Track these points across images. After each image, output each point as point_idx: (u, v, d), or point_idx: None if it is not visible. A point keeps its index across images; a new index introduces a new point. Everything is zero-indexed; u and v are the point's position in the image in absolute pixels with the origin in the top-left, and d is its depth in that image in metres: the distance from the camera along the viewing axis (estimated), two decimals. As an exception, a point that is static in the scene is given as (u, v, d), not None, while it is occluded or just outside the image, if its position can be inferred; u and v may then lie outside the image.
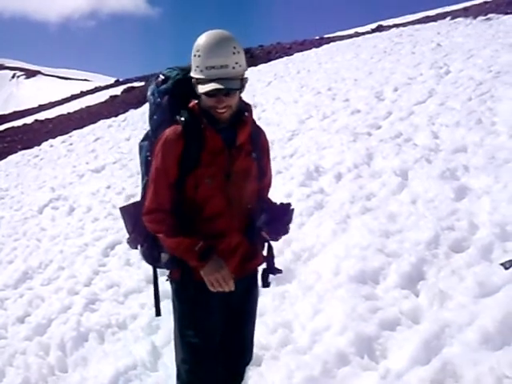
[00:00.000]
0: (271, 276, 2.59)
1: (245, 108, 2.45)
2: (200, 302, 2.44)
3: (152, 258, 2.50)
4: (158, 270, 2.58)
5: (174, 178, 2.35)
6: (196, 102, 2.38)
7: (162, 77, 2.49)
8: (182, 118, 2.34)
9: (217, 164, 2.35)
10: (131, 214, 2.53)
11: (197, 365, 2.45)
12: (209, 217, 2.38)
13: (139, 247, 2.56)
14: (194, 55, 2.28)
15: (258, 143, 2.50)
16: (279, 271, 2.60)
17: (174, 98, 2.42)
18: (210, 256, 2.32)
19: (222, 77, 2.24)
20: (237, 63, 2.27)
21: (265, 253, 2.62)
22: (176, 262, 2.41)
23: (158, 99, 2.46)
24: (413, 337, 3.08)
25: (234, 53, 2.26)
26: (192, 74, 2.31)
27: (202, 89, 2.25)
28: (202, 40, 2.28)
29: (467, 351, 2.82)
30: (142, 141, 2.59)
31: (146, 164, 2.52)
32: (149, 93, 2.52)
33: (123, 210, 2.59)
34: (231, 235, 2.42)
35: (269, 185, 2.64)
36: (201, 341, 2.44)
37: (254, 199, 2.50)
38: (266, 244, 2.61)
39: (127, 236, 2.59)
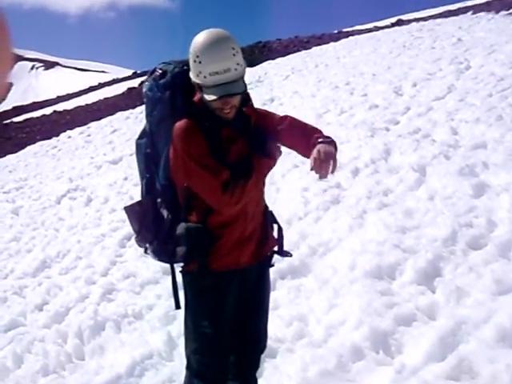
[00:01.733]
0: (284, 264, 2.58)
1: (245, 98, 2.41)
2: (216, 292, 2.44)
3: (166, 253, 2.46)
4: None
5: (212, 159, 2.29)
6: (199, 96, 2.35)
7: (159, 71, 2.44)
8: (192, 112, 2.32)
9: (234, 153, 2.36)
10: (136, 212, 2.51)
11: (209, 355, 2.46)
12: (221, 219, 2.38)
13: (148, 246, 2.52)
14: (194, 61, 2.23)
15: (260, 128, 2.44)
16: (288, 254, 2.58)
17: (175, 91, 2.39)
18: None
19: (227, 81, 2.21)
20: (238, 64, 2.24)
21: (275, 235, 2.60)
22: (193, 254, 2.39)
23: (159, 93, 2.41)
24: (429, 333, 3.07)
25: (233, 54, 2.22)
26: (194, 79, 2.27)
27: (208, 96, 2.22)
28: (200, 44, 2.22)
29: (483, 348, 2.81)
30: (139, 138, 2.54)
31: (145, 161, 2.50)
32: (145, 89, 2.47)
33: (128, 209, 2.57)
34: (246, 222, 2.41)
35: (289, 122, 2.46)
36: (214, 331, 2.44)
37: (264, 182, 2.49)
38: (276, 226, 2.59)
39: (135, 236, 2.57)
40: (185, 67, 2.39)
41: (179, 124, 2.31)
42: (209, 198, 2.31)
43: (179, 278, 2.53)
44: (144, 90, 2.49)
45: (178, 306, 2.54)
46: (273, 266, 2.65)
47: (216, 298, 2.45)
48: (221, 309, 2.47)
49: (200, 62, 2.21)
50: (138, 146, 2.56)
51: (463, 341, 2.93)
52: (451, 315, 3.18)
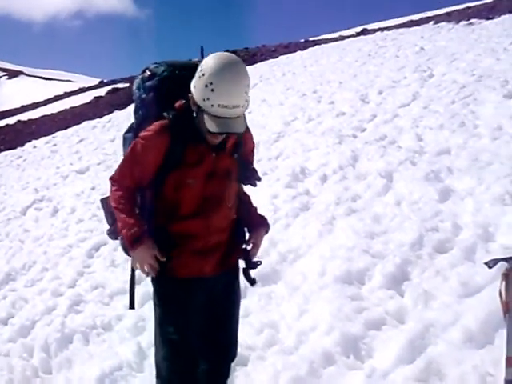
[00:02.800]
0: (254, 271, 2.60)
1: None
2: (180, 298, 2.45)
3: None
4: None
5: (150, 171, 2.36)
6: (183, 102, 2.37)
7: (148, 72, 2.48)
8: (170, 116, 2.33)
9: (201, 166, 2.36)
10: (111, 206, 2.52)
11: (177, 362, 2.46)
12: (185, 216, 2.39)
13: (119, 239, 2.55)
14: (206, 85, 2.17)
15: (241, 143, 2.49)
16: (258, 263, 2.60)
17: (159, 94, 2.42)
18: (141, 242, 2.33)
19: (232, 116, 2.20)
20: (246, 101, 2.24)
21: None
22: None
23: (144, 95, 2.46)
24: (398, 336, 3.12)
25: (246, 92, 2.21)
26: (198, 101, 2.23)
27: (210, 126, 2.19)
28: (217, 73, 2.16)
29: (451, 350, 2.86)
30: (126, 132, 2.60)
31: None
32: (134, 87, 2.53)
33: (104, 201, 2.62)
34: (210, 234, 2.42)
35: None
36: (181, 338, 2.44)
37: (233, 198, 2.50)
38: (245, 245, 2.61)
39: (107, 228, 2.62)
40: (176, 71, 2.41)
41: (154, 124, 2.36)
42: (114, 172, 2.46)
43: (149, 286, 2.53)
44: (133, 87, 2.53)
45: (131, 306, 2.56)
46: (255, 282, 2.63)
47: (181, 305, 2.45)
48: (186, 315, 2.46)
49: (212, 90, 2.16)
50: (124, 139, 2.60)
51: (431, 343, 2.98)
52: (419, 318, 3.23)
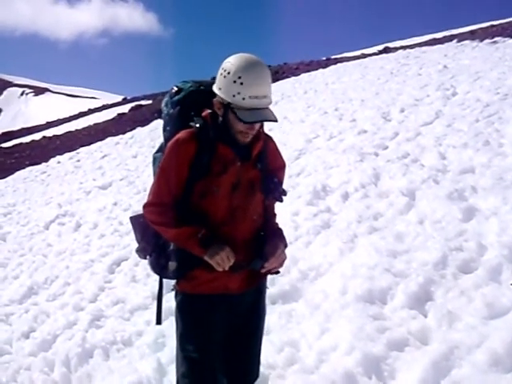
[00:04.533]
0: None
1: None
2: (202, 316, 2.43)
3: (159, 266, 2.51)
4: (165, 285, 2.59)
5: (182, 179, 2.36)
6: (209, 111, 2.40)
7: (175, 88, 2.53)
8: (197, 125, 2.36)
9: (227, 174, 2.37)
10: (140, 223, 2.55)
11: (196, 380, 2.44)
12: (212, 225, 2.38)
13: (148, 258, 2.56)
14: (234, 81, 2.25)
15: (266, 154, 2.50)
16: (277, 272, 2.56)
17: (185, 108, 2.46)
18: (212, 242, 2.32)
19: (262, 107, 2.28)
20: (271, 93, 2.34)
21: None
22: (182, 271, 2.42)
23: (171, 110, 2.51)
24: (421, 357, 3.05)
25: (270, 83, 2.32)
26: (227, 99, 2.28)
27: (245, 117, 2.24)
28: (244, 66, 2.26)
29: (476, 373, 2.79)
30: (156, 152, 2.62)
31: None
32: (163, 104, 2.57)
33: (133, 219, 2.62)
34: (235, 249, 2.39)
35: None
36: (200, 356, 2.42)
37: (259, 211, 2.49)
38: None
39: (137, 245, 2.61)
40: (201, 87, 2.46)
41: (180, 133, 2.38)
42: (147, 197, 2.46)
43: (171, 302, 2.53)
44: (162, 105, 2.58)
45: (158, 321, 2.58)
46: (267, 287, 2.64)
47: (202, 322, 2.44)
48: (207, 334, 2.44)
49: (241, 84, 2.24)
50: (154, 159, 2.62)
51: (456, 365, 2.92)
52: (443, 339, 3.16)
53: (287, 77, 21.62)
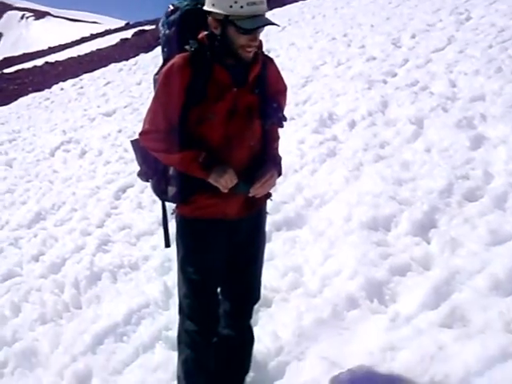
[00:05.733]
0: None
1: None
2: (202, 239, 2.45)
3: (160, 190, 2.51)
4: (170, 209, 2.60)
5: (177, 106, 2.31)
6: (206, 33, 2.32)
7: (171, 7, 2.44)
8: (192, 48, 2.29)
9: (223, 100, 2.31)
10: (141, 147, 2.51)
11: (197, 300, 2.50)
12: (208, 151, 2.34)
13: (150, 181, 2.56)
14: None
15: (265, 78, 2.43)
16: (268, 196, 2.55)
17: (182, 28, 2.38)
18: (214, 164, 2.31)
19: (261, 13, 2.22)
20: None
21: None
22: (181, 196, 2.42)
23: (167, 30, 2.43)
24: (423, 282, 3.11)
25: None
26: (223, 11, 2.19)
27: (247, 25, 2.18)
28: None
29: (476, 297, 2.84)
30: (156, 74, 2.54)
31: None
32: (160, 24, 2.50)
33: (134, 143, 2.59)
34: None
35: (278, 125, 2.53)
36: (201, 278, 2.47)
37: (257, 136, 2.45)
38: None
39: (138, 169, 2.60)
40: (198, 5, 2.35)
41: (175, 57, 2.31)
42: (142, 125, 2.41)
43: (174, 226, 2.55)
44: (159, 25, 2.50)
45: (167, 244, 2.60)
46: (267, 213, 2.63)
47: (201, 246, 2.47)
48: (207, 256, 2.47)
49: None
50: (154, 81, 2.54)
51: (457, 290, 2.97)
52: (445, 265, 3.21)
53: (295, 1, 20.84)
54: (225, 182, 2.29)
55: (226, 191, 2.32)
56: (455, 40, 7.91)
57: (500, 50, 6.73)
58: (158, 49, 18.53)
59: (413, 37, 8.91)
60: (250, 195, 2.41)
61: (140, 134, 2.43)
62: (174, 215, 2.52)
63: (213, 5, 2.23)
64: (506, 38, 7.11)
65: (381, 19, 11.28)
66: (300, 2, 19.89)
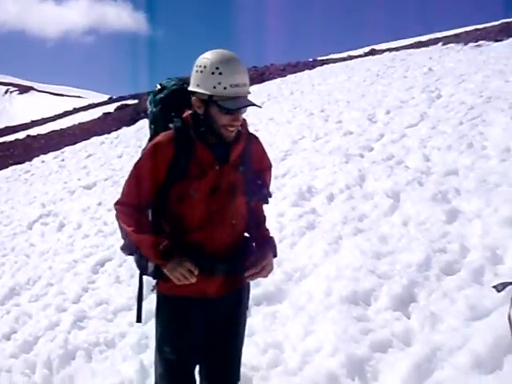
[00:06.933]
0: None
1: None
2: (180, 316, 2.41)
3: (140, 265, 2.48)
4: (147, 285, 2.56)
5: (156, 183, 2.34)
6: (190, 112, 2.38)
7: (158, 86, 2.52)
8: (176, 126, 2.35)
9: (205, 178, 2.34)
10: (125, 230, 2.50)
11: (173, 381, 2.44)
12: (188, 229, 2.36)
13: (134, 255, 2.52)
14: (212, 73, 2.23)
15: (250, 156, 2.47)
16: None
17: (167, 107, 2.45)
18: (172, 255, 2.29)
19: (244, 95, 2.29)
20: (249, 82, 2.35)
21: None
22: (160, 273, 2.37)
23: (153, 108, 2.50)
24: (404, 359, 3.06)
25: (246, 71, 2.33)
26: (207, 92, 2.26)
27: (230, 106, 2.24)
28: (220, 57, 2.25)
29: (459, 375, 2.80)
30: (144, 149, 2.60)
31: None
32: (147, 102, 2.57)
33: None
34: (215, 254, 2.37)
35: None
36: (177, 358, 2.41)
37: (241, 214, 2.45)
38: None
39: (122, 243, 2.58)
40: (184, 85, 2.42)
41: (159, 135, 2.37)
42: (120, 195, 2.45)
43: (152, 304, 2.51)
44: (147, 102, 2.58)
45: (138, 320, 2.55)
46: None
47: (179, 323, 2.42)
48: (185, 336, 2.42)
49: (220, 74, 2.23)
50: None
51: (438, 367, 2.93)
52: (426, 341, 3.17)
53: (274, 78, 21.64)
54: (178, 274, 2.28)
55: (179, 284, 2.30)
56: (427, 116, 8.24)
57: (470, 126, 7.02)
58: (140, 123, 18.89)
59: (387, 113, 9.26)
60: (248, 279, 2.45)
61: (115, 204, 2.45)
62: (154, 291, 2.48)
63: (197, 85, 2.30)
64: (475, 115, 7.44)
65: (356, 96, 11.74)
66: (279, 78, 20.67)
